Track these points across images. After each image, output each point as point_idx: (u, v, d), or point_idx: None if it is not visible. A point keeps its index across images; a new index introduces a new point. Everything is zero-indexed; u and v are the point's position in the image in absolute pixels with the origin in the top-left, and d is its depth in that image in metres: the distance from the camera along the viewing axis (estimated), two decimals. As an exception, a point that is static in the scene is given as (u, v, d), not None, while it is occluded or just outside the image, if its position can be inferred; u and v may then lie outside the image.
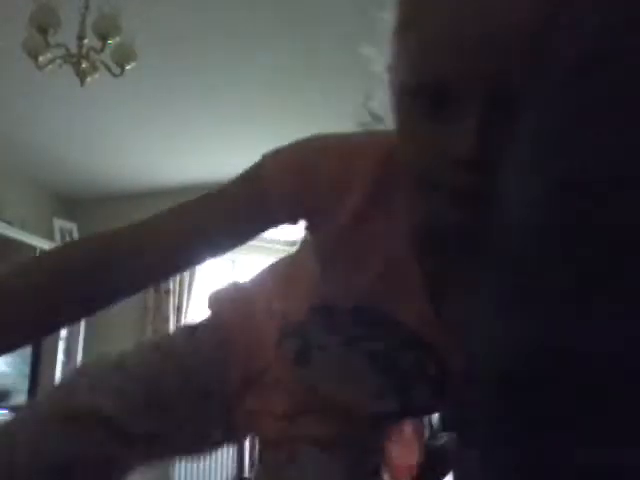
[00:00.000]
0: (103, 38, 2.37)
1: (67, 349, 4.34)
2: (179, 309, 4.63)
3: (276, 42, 2.90)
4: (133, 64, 2.50)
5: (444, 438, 2.33)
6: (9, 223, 4.04)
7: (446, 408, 0.78)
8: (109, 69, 2.52)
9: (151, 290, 4.63)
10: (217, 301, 0.87)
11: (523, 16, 0.52)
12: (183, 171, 4.37)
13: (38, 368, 4.11)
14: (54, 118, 3.69)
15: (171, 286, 4.63)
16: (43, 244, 4.16)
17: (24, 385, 4.03)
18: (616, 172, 0.40)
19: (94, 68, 2.48)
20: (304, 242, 0.79)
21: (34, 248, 4.11)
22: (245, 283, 0.87)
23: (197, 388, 0.76)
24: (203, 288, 4.66)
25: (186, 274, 4.67)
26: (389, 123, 0.63)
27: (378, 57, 0.63)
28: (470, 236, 0.61)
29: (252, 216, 0.68)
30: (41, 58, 2.42)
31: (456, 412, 0.53)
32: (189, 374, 0.76)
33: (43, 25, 2.32)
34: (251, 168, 0.69)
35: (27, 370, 4.05)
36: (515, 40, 0.52)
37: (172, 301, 4.63)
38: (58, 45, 2.43)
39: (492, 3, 0.53)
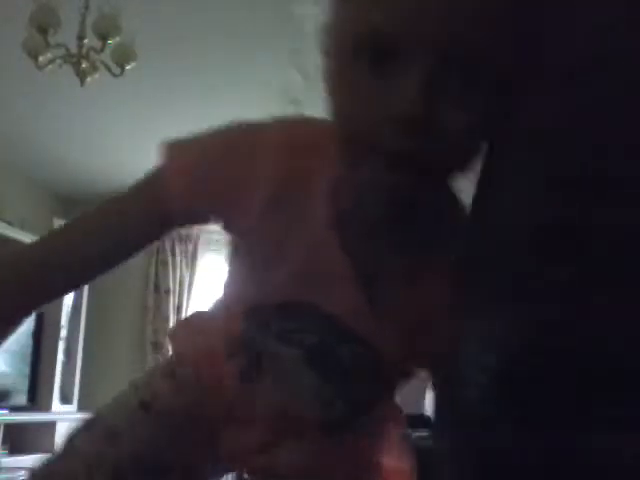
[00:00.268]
0: (103, 38, 2.37)
1: (67, 349, 4.34)
2: (179, 309, 4.63)
3: (276, 42, 2.89)
4: (133, 64, 2.50)
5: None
6: (9, 223, 4.03)
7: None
8: (109, 69, 2.52)
9: (151, 290, 4.64)
10: (179, 339, 0.81)
11: None
12: (183, 171, 4.37)
13: (38, 368, 4.11)
14: (54, 118, 3.68)
15: (171, 286, 4.63)
16: (43, 244, 4.15)
17: (24, 385, 4.03)
18: (616, 172, 0.40)
19: (94, 68, 2.48)
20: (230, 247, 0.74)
21: (34, 248, 4.10)
22: (202, 313, 0.82)
23: (187, 436, 0.71)
24: (203, 288, 4.67)
25: (186, 274, 4.67)
26: (317, 83, 0.60)
27: (312, 17, 0.61)
28: (407, 206, 0.59)
29: (154, 218, 0.66)
30: (41, 58, 2.41)
31: (453, 412, 0.53)
32: (175, 424, 0.71)
33: (43, 25, 2.32)
34: (154, 167, 0.66)
35: (27, 370, 4.04)
36: (475, 7, 0.50)
37: (172, 301, 4.63)
38: (58, 45, 2.43)
39: None
